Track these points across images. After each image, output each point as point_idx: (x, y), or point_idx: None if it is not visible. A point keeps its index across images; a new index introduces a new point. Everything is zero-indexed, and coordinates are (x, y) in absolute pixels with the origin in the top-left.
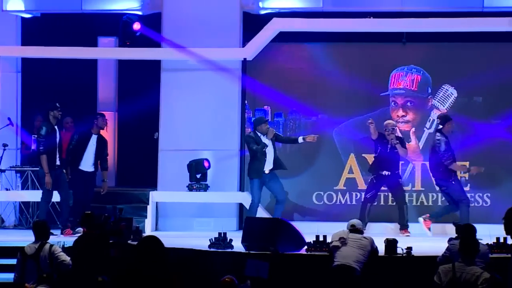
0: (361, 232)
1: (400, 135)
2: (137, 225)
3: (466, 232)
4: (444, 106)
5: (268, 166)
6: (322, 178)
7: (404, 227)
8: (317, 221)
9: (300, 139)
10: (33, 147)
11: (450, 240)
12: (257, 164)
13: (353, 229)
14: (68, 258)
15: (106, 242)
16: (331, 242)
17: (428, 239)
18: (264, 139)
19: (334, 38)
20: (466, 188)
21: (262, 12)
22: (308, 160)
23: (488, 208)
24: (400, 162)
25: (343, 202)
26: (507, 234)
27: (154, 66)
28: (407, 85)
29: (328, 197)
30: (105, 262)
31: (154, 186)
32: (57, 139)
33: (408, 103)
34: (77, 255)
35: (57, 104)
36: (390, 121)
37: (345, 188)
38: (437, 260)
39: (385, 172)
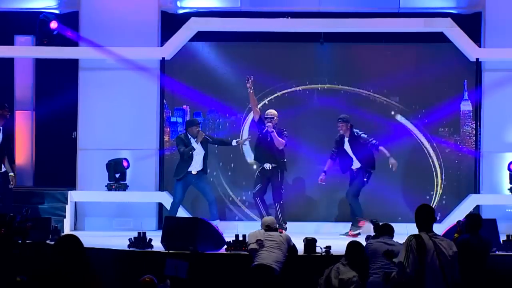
0: (275, 230)
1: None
2: (55, 225)
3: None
4: None
5: (195, 167)
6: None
7: (280, 227)
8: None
9: (234, 142)
10: None
11: (367, 238)
12: (182, 165)
13: (268, 228)
14: None
15: (9, 242)
16: (248, 244)
17: (347, 238)
18: (193, 142)
19: (252, 37)
20: None
21: (181, 11)
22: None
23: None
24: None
25: None
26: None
27: (72, 65)
28: None
29: None
30: (11, 262)
31: (73, 186)
32: None
33: None
34: None
35: (5, 104)
36: (272, 110)
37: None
38: None
39: (267, 165)
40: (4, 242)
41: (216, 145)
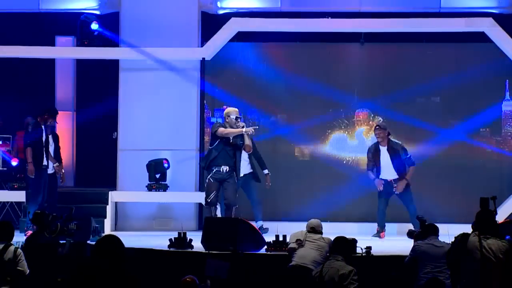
0: (320, 233)
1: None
2: (96, 225)
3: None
4: None
5: (242, 171)
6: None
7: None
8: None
9: (266, 171)
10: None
11: (410, 234)
12: None
13: (312, 230)
14: (27, 269)
15: (53, 242)
16: (289, 243)
17: (387, 239)
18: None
19: (292, 38)
20: None
21: (221, 12)
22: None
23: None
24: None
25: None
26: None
27: (113, 66)
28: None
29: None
30: (54, 262)
31: (113, 186)
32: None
33: None
34: (30, 254)
35: (56, 109)
36: (233, 109)
37: None
38: (405, 261)
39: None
40: (48, 242)
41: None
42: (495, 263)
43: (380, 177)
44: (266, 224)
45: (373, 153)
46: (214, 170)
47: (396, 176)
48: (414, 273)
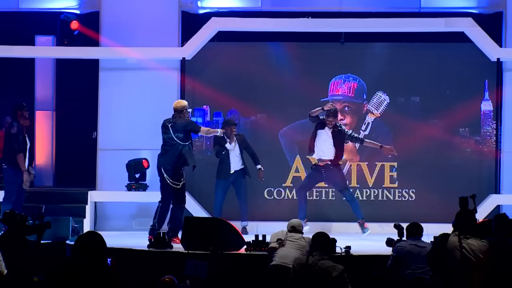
0: (300, 232)
1: None
2: (75, 225)
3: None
4: (377, 111)
5: (234, 167)
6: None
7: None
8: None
9: (258, 166)
10: None
11: (397, 242)
12: (220, 165)
13: (293, 229)
14: (4, 269)
15: (24, 240)
16: (270, 243)
17: (365, 238)
18: (228, 142)
19: (273, 37)
20: (394, 185)
21: (201, 11)
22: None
23: (413, 203)
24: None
25: (290, 197)
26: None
27: (93, 65)
28: (345, 92)
29: (278, 193)
30: (27, 261)
31: (93, 186)
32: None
33: (346, 108)
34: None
35: (24, 104)
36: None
37: (292, 185)
38: (387, 264)
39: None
40: (12, 240)
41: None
42: (475, 263)
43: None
44: (251, 224)
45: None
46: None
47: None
48: (395, 273)
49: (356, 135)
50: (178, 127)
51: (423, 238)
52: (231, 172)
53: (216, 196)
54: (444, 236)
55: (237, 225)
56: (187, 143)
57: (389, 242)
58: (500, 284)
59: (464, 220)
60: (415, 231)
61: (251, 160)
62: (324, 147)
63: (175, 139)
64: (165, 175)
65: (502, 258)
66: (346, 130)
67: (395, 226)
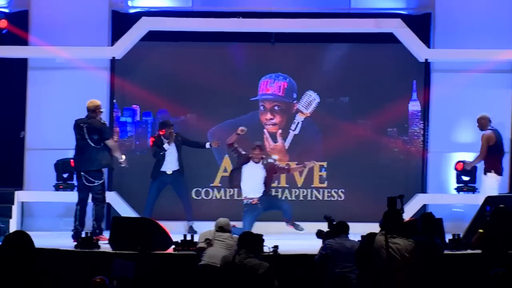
0: (228, 231)
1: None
2: (1, 225)
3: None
4: (307, 110)
5: (170, 168)
6: (198, 175)
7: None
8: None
9: (207, 145)
10: None
11: (319, 234)
12: (156, 165)
13: (220, 229)
14: None
15: None
16: (198, 243)
17: (293, 237)
18: (166, 143)
19: (204, 37)
20: (323, 185)
21: (132, 11)
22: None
23: (342, 202)
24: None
25: (218, 197)
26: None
27: (21, 64)
28: (275, 91)
29: (206, 193)
30: None
31: (20, 186)
32: None
33: (276, 107)
34: None
35: None
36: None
37: (220, 185)
38: (315, 259)
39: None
40: None
41: (191, 147)
42: (401, 262)
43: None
44: (178, 224)
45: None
46: None
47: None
48: (322, 271)
49: (282, 165)
50: (93, 129)
51: (352, 237)
52: (168, 173)
53: (149, 196)
54: (371, 235)
55: (179, 225)
56: (100, 146)
57: (319, 233)
58: (426, 282)
59: (391, 220)
60: (342, 229)
61: (199, 149)
62: (252, 183)
63: (89, 140)
64: (83, 177)
65: (428, 257)
66: (276, 163)
67: (325, 217)
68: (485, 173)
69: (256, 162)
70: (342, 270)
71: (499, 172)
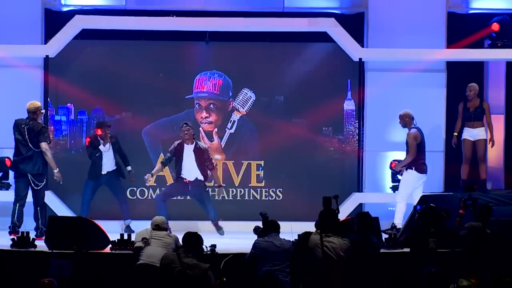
0: (165, 229)
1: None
2: None
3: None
4: (243, 108)
5: (106, 168)
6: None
7: None
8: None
9: (129, 168)
10: None
11: (256, 230)
12: (92, 166)
13: (157, 227)
14: None
15: None
16: (135, 242)
17: (231, 236)
18: (102, 144)
19: (138, 36)
20: (261, 184)
21: (65, 9)
22: None
23: (280, 202)
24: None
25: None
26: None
27: None
28: (210, 89)
29: (141, 192)
30: None
31: None
32: None
33: (211, 106)
34: None
35: None
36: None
37: (155, 184)
38: (245, 258)
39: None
40: None
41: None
42: (336, 261)
43: (182, 175)
44: (115, 223)
45: (176, 149)
46: None
47: (199, 177)
48: (252, 268)
49: (212, 160)
50: (34, 131)
51: (288, 237)
52: (103, 173)
53: (84, 196)
54: (306, 234)
55: (116, 224)
56: (39, 149)
57: (256, 229)
58: (361, 280)
59: (326, 219)
60: (273, 228)
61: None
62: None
63: (29, 143)
64: (31, 180)
65: (364, 255)
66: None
67: (260, 214)
68: (406, 169)
69: (188, 144)
70: (271, 268)
71: (421, 170)
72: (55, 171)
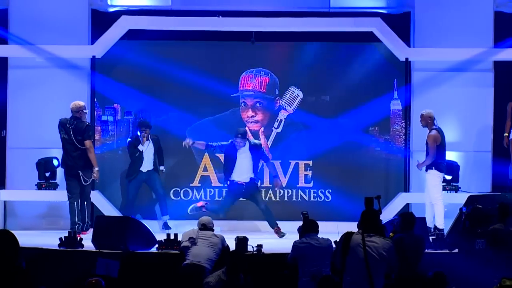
0: (211, 229)
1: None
2: None
3: None
4: (291, 107)
5: (146, 167)
6: (177, 175)
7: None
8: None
9: (162, 168)
10: None
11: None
12: (132, 165)
13: (203, 227)
14: None
15: None
16: (182, 242)
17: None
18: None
19: (183, 36)
20: (309, 185)
21: (111, 9)
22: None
23: (329, 203)
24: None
25: (198, 198)
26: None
27: (1, 63)
28: (256, 87)
29: (185, 193)
30: None
31: (2, 185)
32: None
33: (257, 104)
34: None
35: None
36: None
37: (200, 185)
38: (288, 260)
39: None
40: None
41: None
42: (378, 260)
43: (234, 179)
44: (153, 223)
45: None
46: None
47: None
48: (295, 268)
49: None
50: (79, 130)
51: (334, 237)
52: (144, 171)
53: (128, 196)
54: (348, 234)
55: (154, 223)
56: (85, 147)
57: (299, 229)
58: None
59: (368, 219)
60: (311, 228)
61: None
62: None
63: (75, 141)
64: (81, 177)
65: (407, 254)
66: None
67: (302, 214)
68: (426, 170)
69: (241, 147)
70: (311, 269)
71: (440, 169)
72: (96, 169)
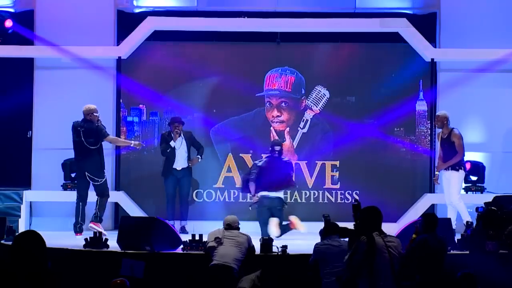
0: (237, 228)
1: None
2: (10, 225)
3: None
4: (317, 107)
5: (179, 164)
6: (201, 177)
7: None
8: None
9: (198, 156)
10: None
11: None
12: (166, 163)
13: (228, 227)
14: None
15: None
16: (207, 242)
17: (302, 237)
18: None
19: (209, 37)
20: (336, 186)
21: (137, 10)
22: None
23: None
24: None
25: (221, 199)
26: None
27: (27, 64)
28: (282, 86)
29: (208, 194)
30: None
31: (28, 185)
32: None
33: (283, 104)
34: None
35: None
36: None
37: (223, 186)
38: (309, 262)
39: None
40: None
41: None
42: (398, 258)
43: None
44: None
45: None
46: None
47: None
48: (316, 270)
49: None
50: (89, 133)
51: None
52: (178, 169)
53: (167, 195)
54: (370, 237)
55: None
56: (96, 147)
57: (320, 232)
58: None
59: (372, 218)
60: (331, 230)
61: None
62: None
63: (85, 143)
64: (88, 177)
65: (431, 254)
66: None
67: (323, 216)
68: (457, 170)
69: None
70: (332, 270)
71: (465, 169)
72: (132, 143)
